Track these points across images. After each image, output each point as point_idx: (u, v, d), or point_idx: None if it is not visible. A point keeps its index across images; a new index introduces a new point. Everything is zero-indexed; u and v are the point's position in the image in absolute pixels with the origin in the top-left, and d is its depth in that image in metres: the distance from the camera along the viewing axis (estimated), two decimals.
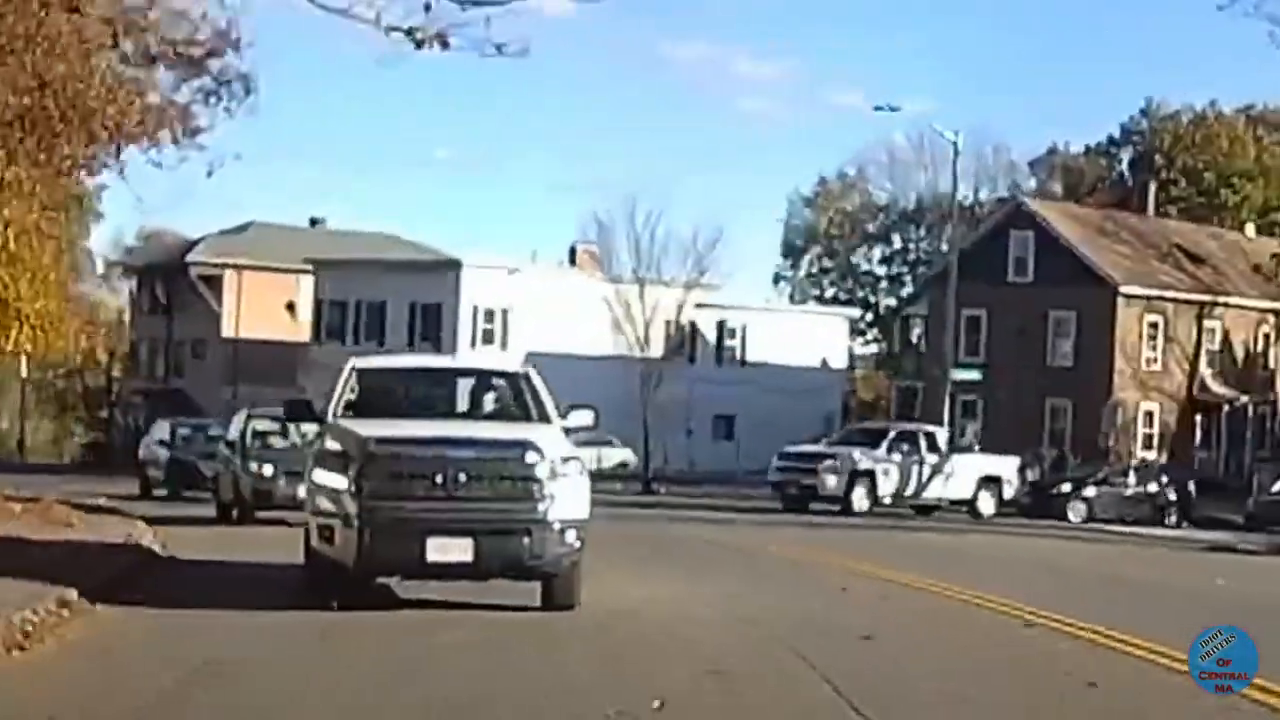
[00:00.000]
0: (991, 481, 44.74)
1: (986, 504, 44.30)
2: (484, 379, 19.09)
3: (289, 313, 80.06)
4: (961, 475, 44.39)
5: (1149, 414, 63.66)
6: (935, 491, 44.21)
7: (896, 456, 43.69)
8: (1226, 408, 64.96)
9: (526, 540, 15.07)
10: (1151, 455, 62.12)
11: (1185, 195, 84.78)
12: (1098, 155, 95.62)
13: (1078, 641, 14.45)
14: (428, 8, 16.54)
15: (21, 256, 24.43)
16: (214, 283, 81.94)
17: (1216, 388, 65.01)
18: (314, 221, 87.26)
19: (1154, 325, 63.50)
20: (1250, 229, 74.43)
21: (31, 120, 24.60)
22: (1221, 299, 64.45)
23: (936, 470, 44.29)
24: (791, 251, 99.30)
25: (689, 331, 69.29)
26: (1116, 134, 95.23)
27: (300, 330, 76.84)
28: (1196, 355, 64.81)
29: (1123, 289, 61.96)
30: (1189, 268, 65.77)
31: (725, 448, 70.96)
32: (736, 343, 75.79)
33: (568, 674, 12.19)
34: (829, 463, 42.89)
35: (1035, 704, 11.35)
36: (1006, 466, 45.67)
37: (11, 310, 24.30)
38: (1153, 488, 49.18)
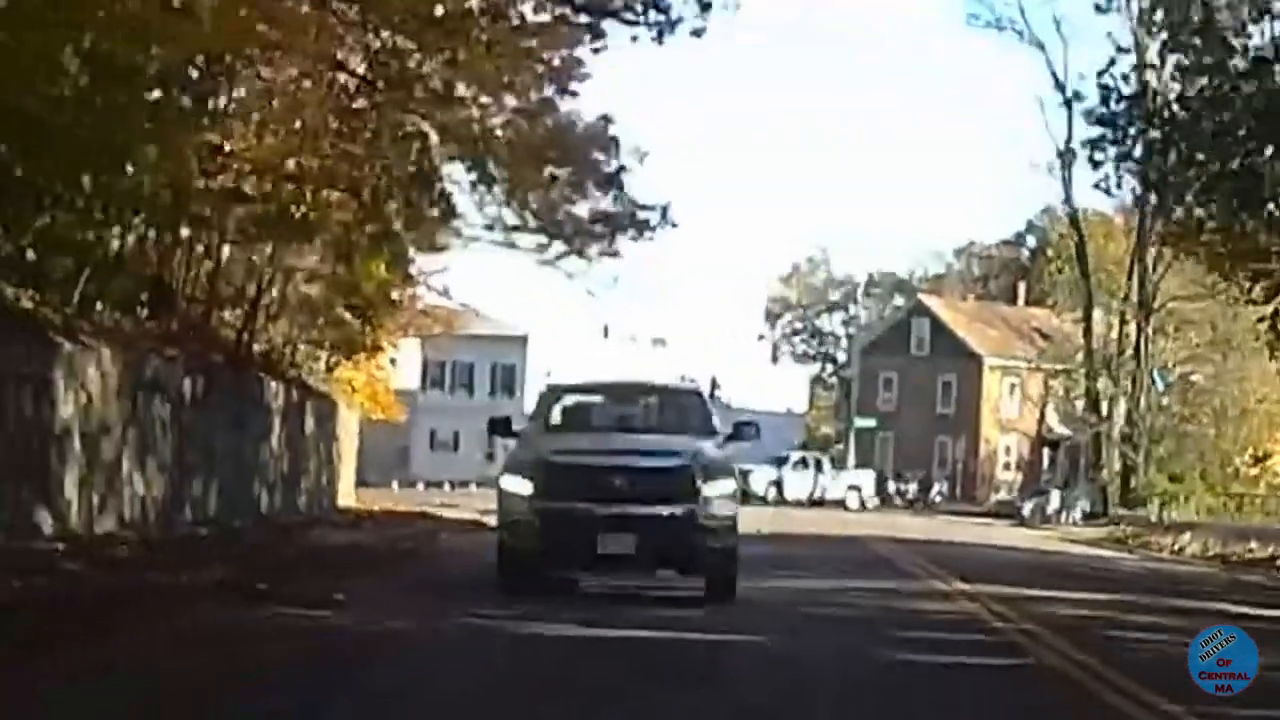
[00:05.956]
0: (855, 488, 73.02)
1: (853, 500, 72.11)
2: (659, 396, 20.99)
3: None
4: (837, 483, 72.83)
5: (1008, 447, 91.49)
6: (819, 492, 72.43)
7: (800, 471, 72.26)
8: (1066, 443, 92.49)
9: (683, 538, 16.92)
10: (1010, 477, 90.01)
11: (1069, 280, 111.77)
12: (1007, 245, 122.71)
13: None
14: None
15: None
16: None
17: (1060, 429, 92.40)
18: None
19: (1012, 385, 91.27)
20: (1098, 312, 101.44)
21: None
22: (1063, 366, 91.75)
23: (821, 480, 72.85)
24: (769, 316, 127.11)
25: None
26: (1023, 228, 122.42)
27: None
28: (1044, 406, 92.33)
29: (988, 361, 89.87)
30: (1041, 344, 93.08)
31: None
32: (723, 391, 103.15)
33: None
34: (755, 474, 71.07)
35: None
36: (865, 479, 74.18)
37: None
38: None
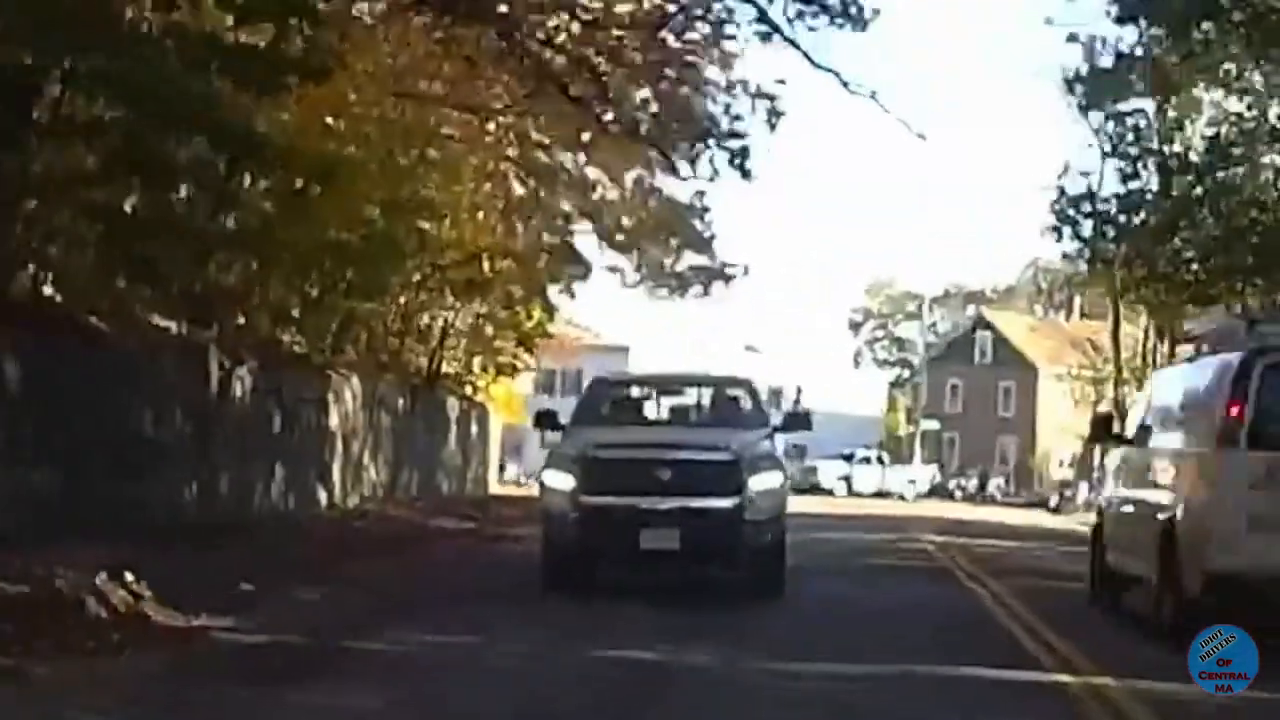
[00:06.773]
0: (911, 481, 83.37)
1: (909, 492, 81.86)
2: (708, 388, 20.86)
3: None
4: (897, 477, 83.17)
5: (1062, 447, 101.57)
6: (884, 486, 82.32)
7: (865, 466, 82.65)
8: None
9: (727, 532, 16.68)
10: (1065, 473, 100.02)
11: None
12: (1067, 259, 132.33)
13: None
14: None
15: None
16: None
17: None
18: None
19: (1065, 392, 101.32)
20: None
21: None
22: (1100, 375, 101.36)
23: (884, 475, 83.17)
24: (852, 326, 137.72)
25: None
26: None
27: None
28: (1095, 408, 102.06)
29: (1044, 369, 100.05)
30: (1092, 355, 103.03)
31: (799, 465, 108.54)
32: (807, 396, 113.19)
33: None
34: (824, 469, 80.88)
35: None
36: (922, 473, 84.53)
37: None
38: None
